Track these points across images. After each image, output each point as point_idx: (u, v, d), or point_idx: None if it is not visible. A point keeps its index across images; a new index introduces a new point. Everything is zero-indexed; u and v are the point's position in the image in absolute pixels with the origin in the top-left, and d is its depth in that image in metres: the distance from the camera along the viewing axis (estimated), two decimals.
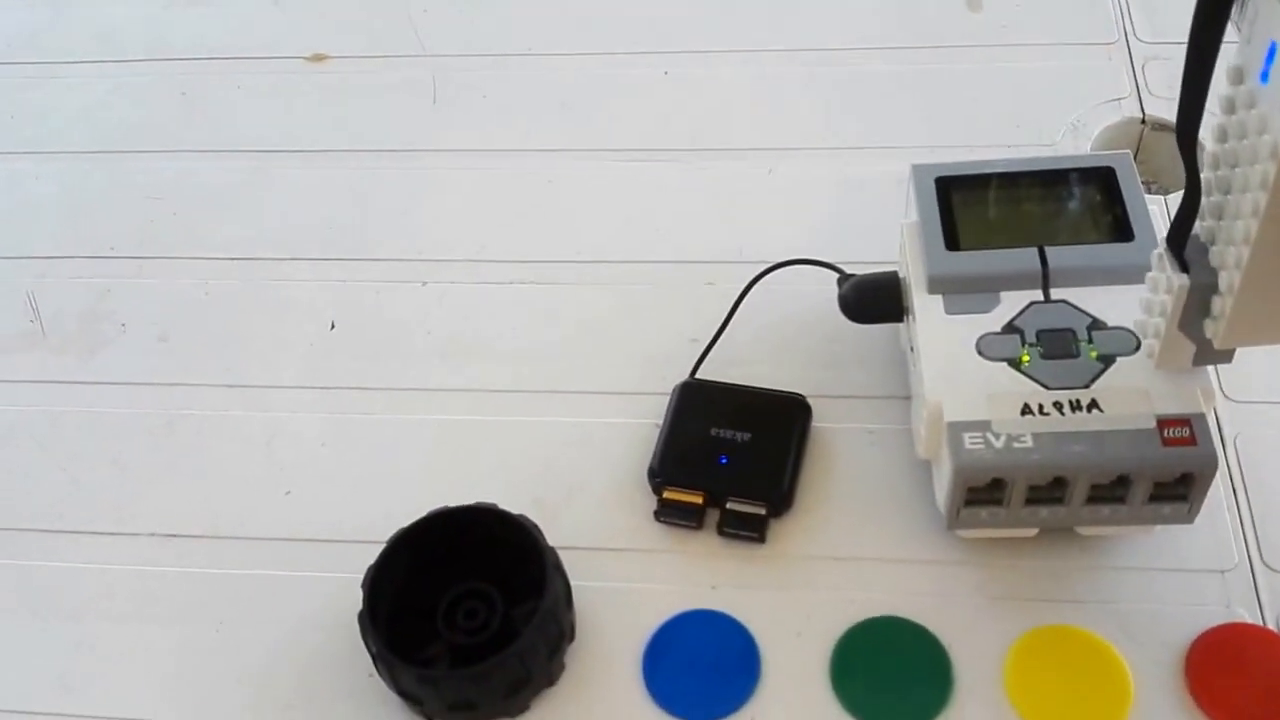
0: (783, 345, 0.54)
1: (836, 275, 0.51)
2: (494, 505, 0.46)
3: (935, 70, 0.65)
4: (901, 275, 0.49)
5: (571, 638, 0.46)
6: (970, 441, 0.42)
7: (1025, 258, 0.46)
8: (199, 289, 0.60)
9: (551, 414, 0.53)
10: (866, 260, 0.51)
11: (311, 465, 0.53)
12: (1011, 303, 0.45)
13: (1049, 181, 0.48)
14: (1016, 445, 0.42)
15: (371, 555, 0.45)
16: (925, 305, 0.46)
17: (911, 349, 0.47)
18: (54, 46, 0.74)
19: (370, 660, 0.44)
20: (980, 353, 0.44)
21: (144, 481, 0.53)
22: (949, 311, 0.45)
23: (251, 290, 0.60)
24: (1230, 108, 0.31)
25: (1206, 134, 0.34)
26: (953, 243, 0.46)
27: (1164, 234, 0.45)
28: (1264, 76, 0.29)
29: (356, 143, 0.66)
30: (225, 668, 0.47)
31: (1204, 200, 0.34)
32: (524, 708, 0.45)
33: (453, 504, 0.46)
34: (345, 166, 0.65)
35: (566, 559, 0.46)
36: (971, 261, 0.46)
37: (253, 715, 0.46)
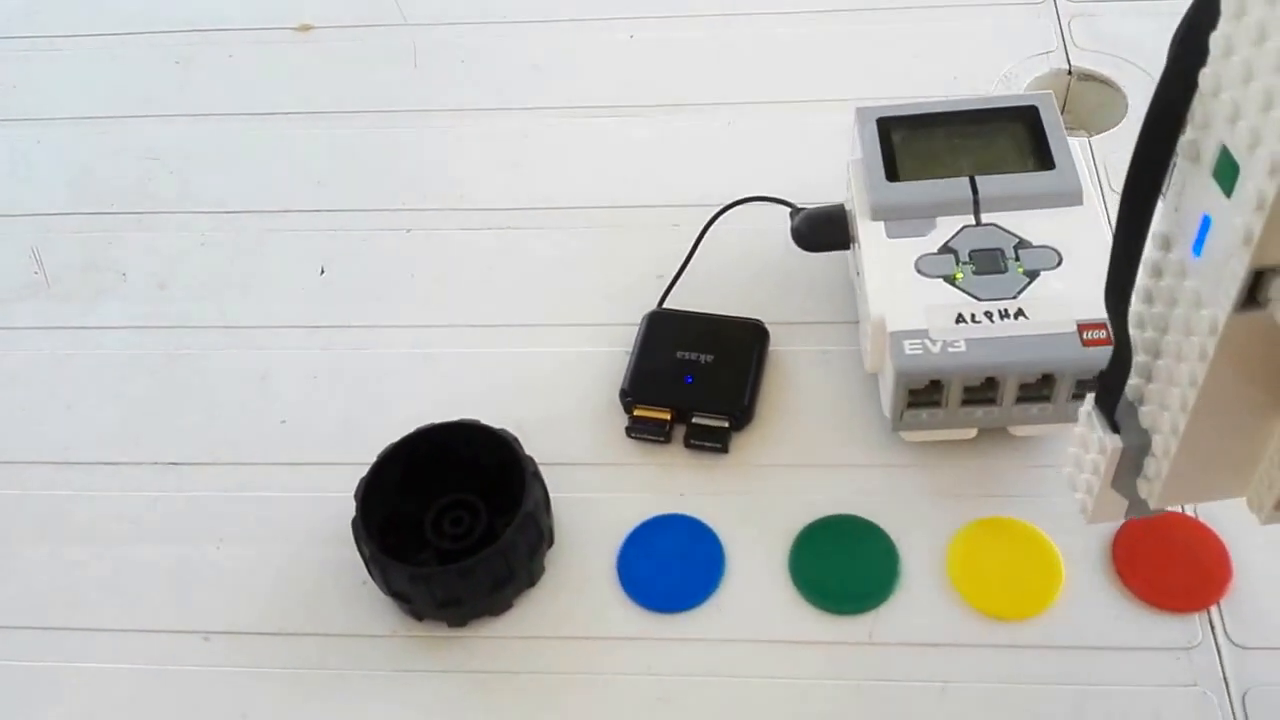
0: (742, 277, 0.58)
1: (789, 210, 0.56)
2: (476, 421, 0.50)
3: (878, 30, 0.70)
4: (848, 207, 0.53)
5: (551, 542, 0.50)
6: (910, 348, 0.46)
7: (958, 186, 0.50)
8: (195, 240, 0.64)
9: (529, 345, 0.57)
10: (816, 200, 0.55)
11: (304, 397, 0.57)
12: (946, 227, 0.50)
13: (979, 119, 0.53)
14: (952, 350, 0.46)
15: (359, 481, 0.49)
16: (869, 231, 0.50)
17: (858, 273, 0.52)
18: (52, 21, 0.78)
19: (363, 567, 0.48)
20: (919, 271, 0.49)
21: (146, 416, 0.57)
22: (890, 236, 0.50)
23: (245, 241, 0.63)
24: (1158, 273, 0.29)
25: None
26: (893, 175, 0.51)
27: (1083, 170, 0.49)
28: (1196, 249, 0.28)
29: (342, 104, 0.70)
30: (226, 580, 0.51)
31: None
32: (507, 605, 0.48)
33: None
34: (332, 126, 0.69)
35: (545, 474, 0.49)
36: (910, 191, 0.50)
37: (253, 621, 0.49)
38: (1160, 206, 0.29)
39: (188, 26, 0.76)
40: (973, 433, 0.50)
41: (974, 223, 0.49)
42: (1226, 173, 0.26)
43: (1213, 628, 0.45)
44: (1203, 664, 0.45)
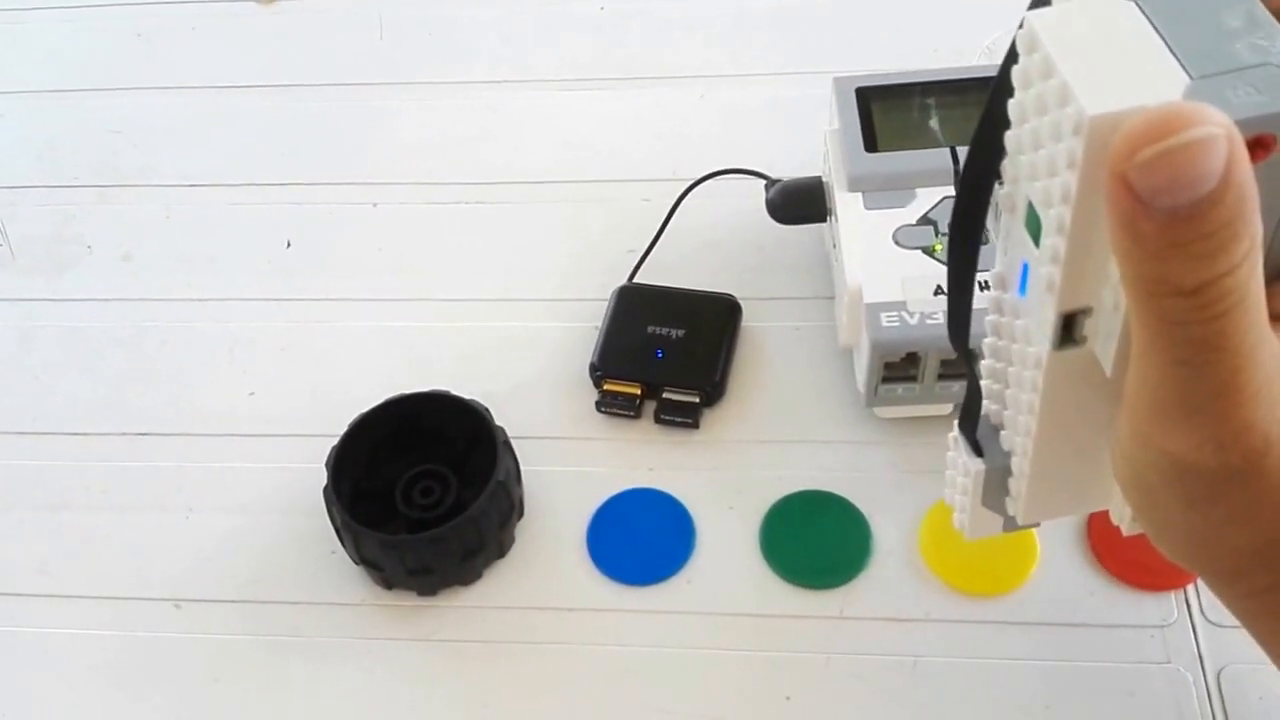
0: (715, 252, 0.57)
1: (764, 182, 0.55)
2: (447, 391, 0.49)
3: (858, 2, 0.69)
4: (825, 179, 0.52)
5: (521, 514, 0.49)
6: (887, 319, 0.46)
7: (938, 157, 0.50)
8: (160, 213, 0.63)
9: (498, 320, 0.56)
10: (791, 174, 0.55)
11: (273, 369, 0.56)
12: (926, 198, 0.49)
13: (960, 89, 0.52)
14: (929, 322, 0.46)
15: (330, 449, 0.48)
16: (846, 202, 0.50)
17: (834, 245, 0.51)
18: None
19: (332, 536, 0.48)
20: (897, 243, 0.48)
21: (113, 387, 0.56)
22: (868, 207, 0.49)
23: (210, 214, 0.62)
24: (999, 309, 0.31)
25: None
26: (871, 145, 0.50)
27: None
28: (1021, 290, 0.30)
29: (308, 78, 0.69)
30: (195, 549, 0.50)
31: (985, 388, 0.34)
32: (476, 575, 0.48)
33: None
34: (298, 100, 0.68)
35: (516, 447, 0.49)
36: (888, 161, 0.50)
37: (222, 590, 0.49)
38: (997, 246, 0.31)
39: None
40: (947, 409, 0.49)
41: (954, 193, 0.49)
42: (1033, 225, 0.28)
43: (1188, 606, 0.45)
44: (1177, 642, 0.45)
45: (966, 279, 0.31)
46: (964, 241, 0.30)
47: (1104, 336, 0.28)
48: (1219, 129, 0.22)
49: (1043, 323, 0.28)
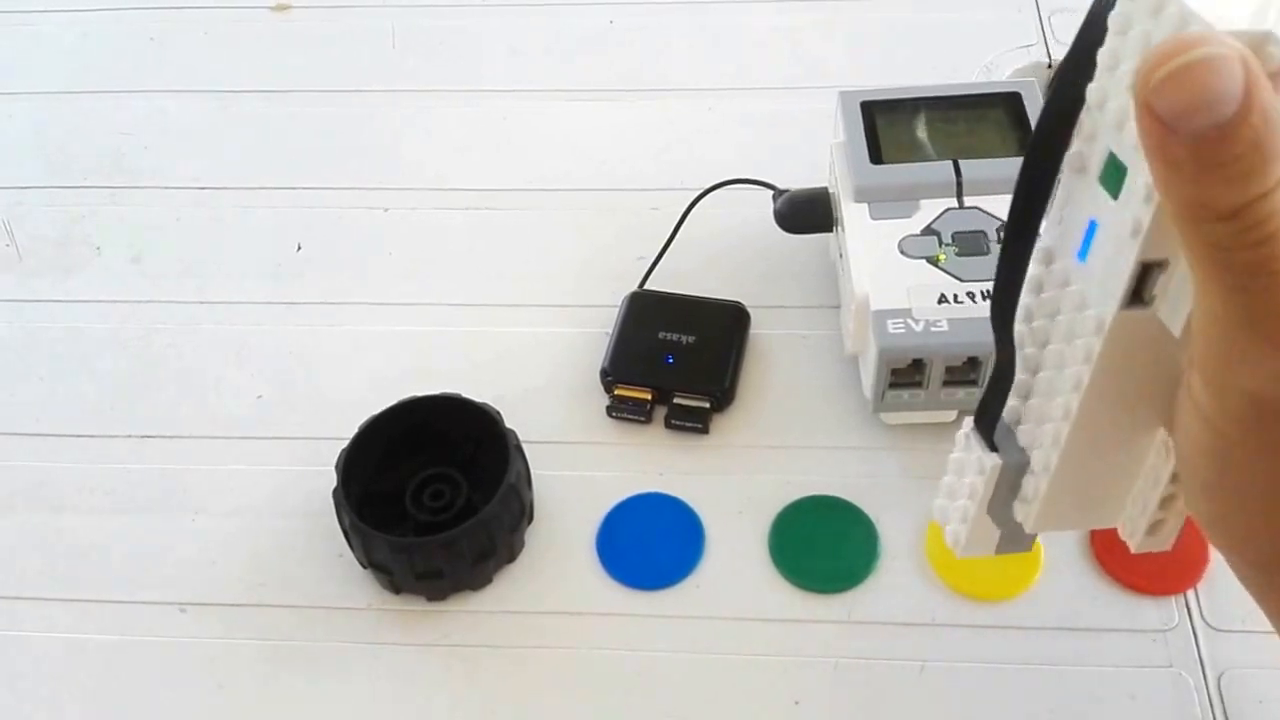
0: (724, 261, 0.58)
1: (772, 192, 0.56)
2: (458, 394, 0.50)
3: (859, 19, 0.70)
4: (831, 190, 0.53)
5: (531, 518, 0.50)
6: (893, 326, 0.46)
7: (942, 170, 0.50)
8: (170, 215, 0.63)
9: (509, 325, 0.57)
10: (797, 184, 0.55)
11: (281, 372, 0.56)
12: (930, 209, 0.50)
13: (963, 104, 0.53)
14: (934, 329, 0.46)
15: (339, 451, 0.48)
16: (852, 213, 0.50)
17: (841, 254, 0.52)
18: None
19: (341, 539, 0.48)
20: (902, 252, 0.49)
21: (120, 389, 0.56)
22: (874, 218, 0.50)
23: (220, 217, 0.63)
24: (1038, 288, 0.31)
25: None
26: (876, 157, 0.51)
27: None
28: (1081, 254, 0.29)
29: (320, 84, 0.69)
30: (200, 552, 0.50)
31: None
32: (487, 580, 0.48)
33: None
34: (309, 105, 0.68)
35: (527, 452, 0.49)
36: (893, 173, 0.51)
37: (229, 593, 0.49)
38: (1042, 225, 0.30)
39: (162, 3, 0.75)
40: (952, 415, 0.50)
41: (957, 205, 0.50)
42: (1113, 176, 0.28)
43: (1189, 611, 0.46)
44: (1179, 646, 0.45)
45: (1024, 259, 0.30)
46: (1028, 218, 0.30)
47: (1174, 296, 0.28)
48: (1227, 49, 0.23)
49: (1111, 279, 0.28)
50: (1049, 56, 0.67)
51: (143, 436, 0.54)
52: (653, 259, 0.57)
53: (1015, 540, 0.35)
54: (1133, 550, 0.33)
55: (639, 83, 0.68)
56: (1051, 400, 0.31)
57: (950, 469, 0.35)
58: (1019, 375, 0.32)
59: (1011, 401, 0.33)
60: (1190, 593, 0.46)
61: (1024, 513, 0.34)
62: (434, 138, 0.66)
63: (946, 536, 0.36)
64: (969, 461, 0.34)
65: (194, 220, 0.63)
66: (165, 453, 0.53)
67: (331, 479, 0.47)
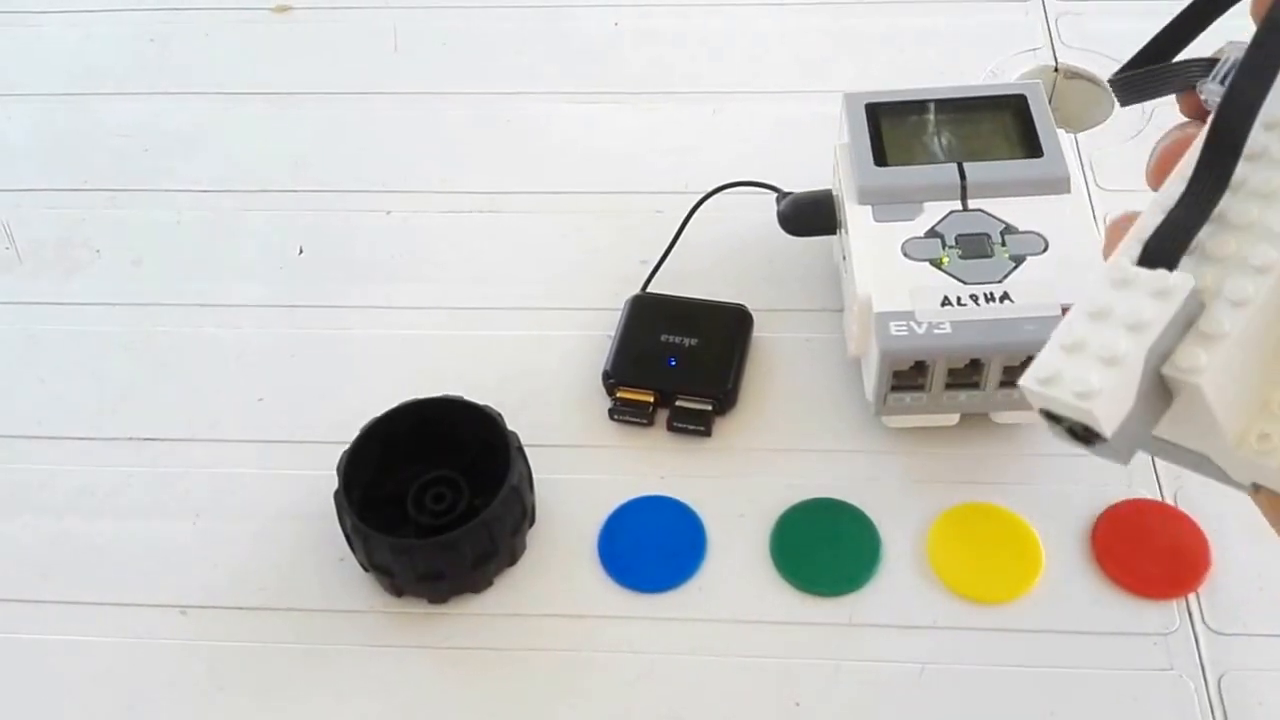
0: (727, 264, 0.58)
1: (775, 195, 0.56)
2: (460, 396, 0.50)
3: (865, 23, 0.70)
4: (835, 192, 0.53)
5: (532, 521, 0.49)
6: (896, 328, 0.46)
7: (946, 172, 0.50)
8: (171, 218, 0.63)
9: (512, 328, 0.57)
10: (801, 187, 0.55)
11: (282, 375, 0.56)
12: (933, 211, 0.50)
13: (968, 107, 0.53)
14: (937, 331, 0.46)
15: (341, 453, 0.48)
16: (856, 215, 0.50)
17: (844, 257, 0.52)
18: None
19: (342, 543, 0.48)
20: (905, 255, 0.49)
21: (120, 392, 0.56)
22: (877, 220, 0.50)
23: (222, 219, 0.63)
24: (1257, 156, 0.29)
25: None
26: (880, 159, 0.51)
27: (1072, 158, 0.49)
28: None
29: (322, 86, 0.69)
30: (201, 555, 0.50)
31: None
32: (488, 582, 0.48)
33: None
34: (311, 107, 0.68)
35: (529, 455, 0.49)
36: (897, 175, 0.50)
37: (230, 595, 0.49)
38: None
39: (163, 4, 0.75)
40: (954, 419, 0.50)
41: (961, 208, 0.50)
42: None
43: (1190, 614, 0.46)
44: (1180, 650, 0.45)
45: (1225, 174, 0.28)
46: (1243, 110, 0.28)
47: None
48: None
49: None
50: (1055, 59, 0.67)
51: (144, 439, 0.54)
52: (656, 261, 0.57)
53: (1133, 433, 0.28)
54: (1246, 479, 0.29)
55: (644, 85, 0.68)
56: (1254, 246, 0.28)
57: (1082, 312, 0.29)
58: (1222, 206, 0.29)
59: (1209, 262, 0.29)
60: (1191, 596, 0.46)
61: (1201, 358, 0.28)
62: (437, 140, 0.66)
63: (1064, 391, 0.28)
64: (1135, 293, 0.28)
65: (195, 222, 0.63)
66: (167, 455, 0.53)
67: (333, 481, 0.47)
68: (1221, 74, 0.32)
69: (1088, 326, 0.28)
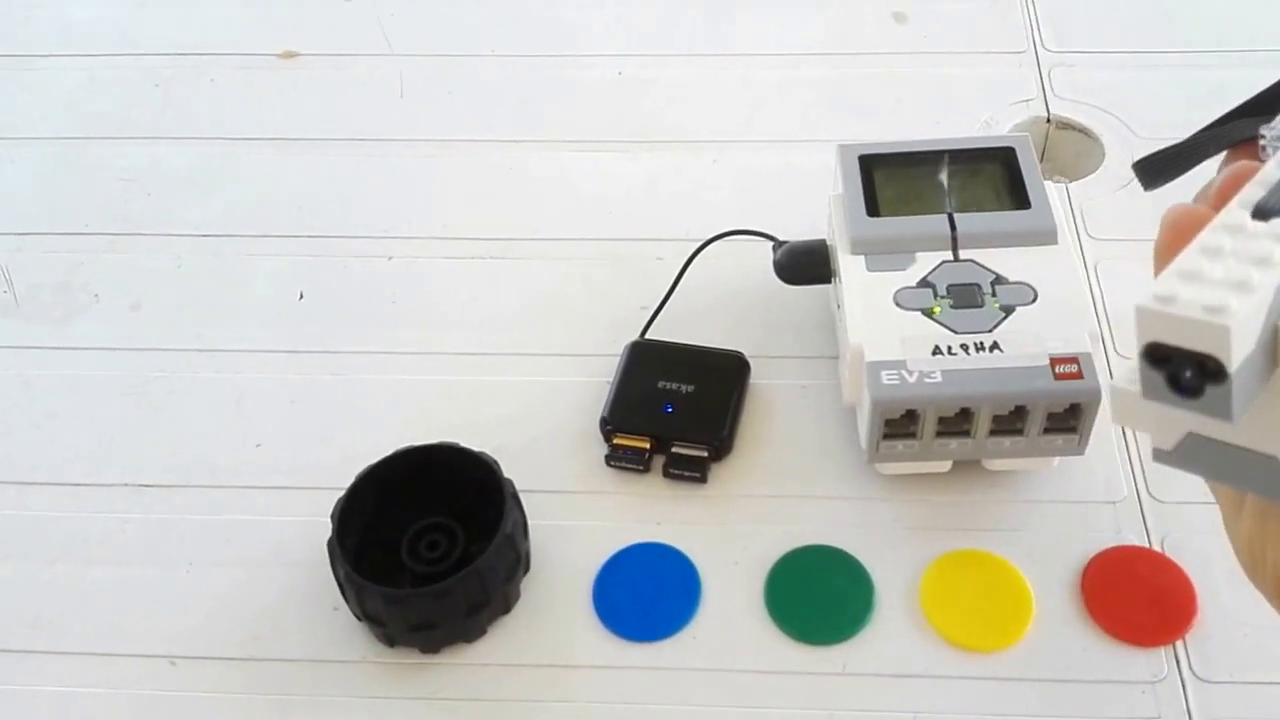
0: (724, 310, 0.58)
1: (772, 244, 0.56)
2: (456, 443, 0.50)
3: (864, 74, 0.71)
4: (829, 242, 0.54)
5: (527, 568, 0.50)
6: (887, 378, 0.47)
7: (937, 223, 0.51)
8: (171, 263, 0.63)
9: (511, 374, 0.57)
10: (798, 236, 0.56)
11: (280, 421, 0.56)
12: (925, 262, 0.50)
13: (958, 159, 0.54)
14: (927, 380, 0.47)
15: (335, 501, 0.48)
16: (849, 265, 0.51)
17: (838, 305, 0.52)
18: (27, 42, 0.78)
19: (336, 592, 0.48)
20: (898, 304, 0.49)
21: (117, 437, 0.56)
22: (870, 270, 0.50)
23: (222, 264, 0.63)
24: None
25: None
26: (873, 210, 0.52)
27: (1059, 210, 0.50)
28: None
29: (326, 132, 0.70)
30: (194, 604, 0.50)
31: None
32: (481, 631, 0.48)
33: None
34: (315, 153, 0.69)
35: (524, 500, 0.49)
36: (889, 226, 0.51)
37: (221, 645, 0.49)
38: None
39: (169, 50, 0.76)
40: (947, 466, 0.50)
41: (952, 258, 0.50)
42: None
43: (1178, 662, 0.46)
44: (1168, 697, 0.45)
45: None
46: None
47: None
48: None
49: None
50: (1048, 110, 0.68)
51: (140, 485, 0.54)
52: (655, 307, 0.58)
53: (1245, 384, 0.26)
54: None
55: (646, 134, 0.69)
56: None
57: (1197, 250, 0.27)
58: None
59: None
60: (1179, 644, 0.46)
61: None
62: (440, 186, 0.67)
63: (1192, 307, 0.25)
64: (1256, 238, 0.27)
65: (195, 267, 0.63)
66: (161, 502, 0.54)
67: (329, 528, 0.47)
68: None
69: (1206, 261, 0.26)
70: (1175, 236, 0.30)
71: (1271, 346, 0.26)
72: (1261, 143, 0.33)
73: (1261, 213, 0.27)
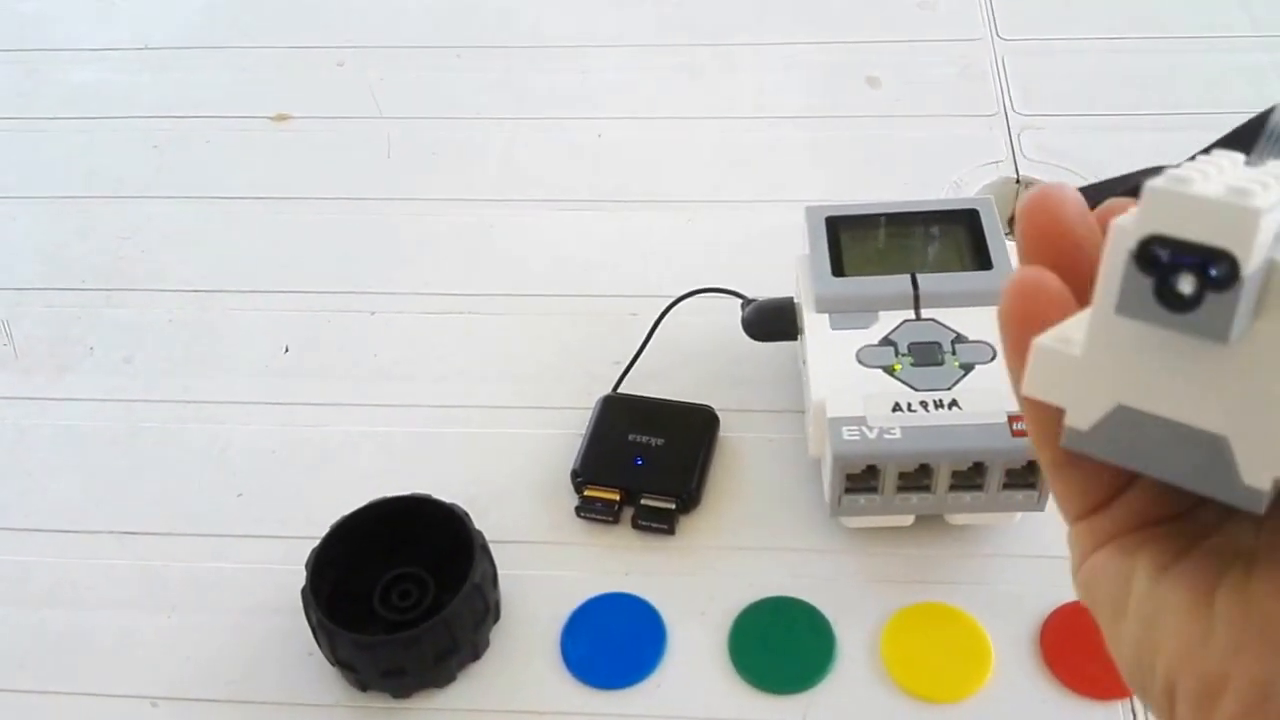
0: (695, 366, 0.60)
1: (740, 301, 0.58)
2: (428, 495, 0.51)
3: (837, 136, 0.73)
4: (796, 300, 0.55)
5: (497, 617, 0.51)
6: (848, 434, 0.48)
7: (900, 283, 0.52)
8: (163, 317, 0.65)
9: (486, 426, 0.59)
10: (767, 293, 0.57)
11: (262, 471, 0.58)
12: (888, 320, 0.52)
13: (922, 220, 0.55)
14: (887, 436, 0.48)
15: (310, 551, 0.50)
16: (814, 323, 0.52)
17: (804, 362, 0.54)
18: (29, 104, 0.80)
19: (310, 637, 0.49)
20: (860, 362, 0.50)
21: (104, 486, 0.58)
22: (834, 328, 0.52)
23: (212, 319, 0.65)
24: None
25: None
26: (838, 270, 0.53)
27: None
28: None
29: (315, 191, 0.72)
30: (175, 648, 0.51)
31: None
32: (451, 678, 0.49)
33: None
34: (303, 211, 0.71)
35: (495, 550, 0.50)
36: (853, 285, 0.53)
37: (200, 688, 0.50)
38: None
39: (167, 112, 0.78)
40: (910, 520, 0.51)
41: (914, 317, 0.52)
42: None
43: (1134, 715, 0.47)
44: None
45: None
46: None
47: None
48: None
49: None
50: (1017, 171, 0.69)
51: (125, 533, 0.56)
52: (628, 362, 0.59)
53: (1248, 306, 0.22)
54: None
55: (624, 194, 0.71)
56: None
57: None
58: None
59: None
60: (1134, 697, 0.47)
61: None
62: (423, 244, 0.68)
63: (1214, 188, 0.22)
64: (1255, 169, 0.24)
65: (186, 322, 0.65)
66: (145, 549, 0.55)
67: (304, 575, 0.49)
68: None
69: (1216, 170, 0.23)
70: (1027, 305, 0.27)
71: (1263, 284, 0.23)
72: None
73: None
